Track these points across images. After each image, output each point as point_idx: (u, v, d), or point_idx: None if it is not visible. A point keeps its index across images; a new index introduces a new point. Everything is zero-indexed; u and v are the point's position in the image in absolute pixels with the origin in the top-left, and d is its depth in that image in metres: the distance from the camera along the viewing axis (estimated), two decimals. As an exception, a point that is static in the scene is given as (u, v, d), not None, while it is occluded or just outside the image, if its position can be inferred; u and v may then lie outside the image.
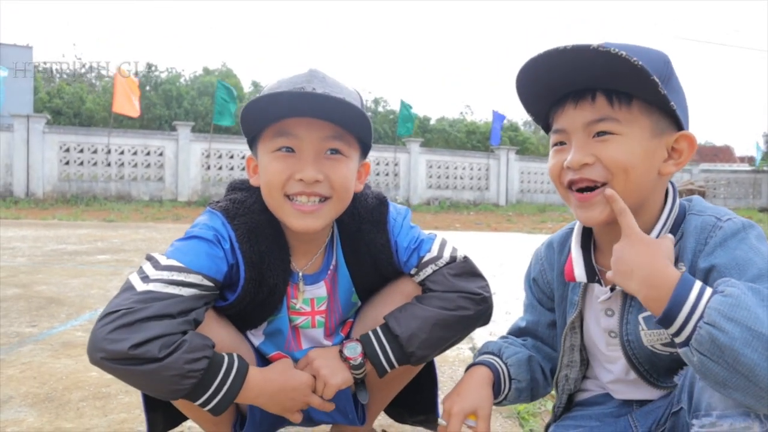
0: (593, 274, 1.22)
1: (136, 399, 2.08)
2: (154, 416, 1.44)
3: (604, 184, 1.09)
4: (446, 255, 1.38)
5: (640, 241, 1.03)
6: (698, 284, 0.94)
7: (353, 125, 1.26)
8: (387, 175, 21.08)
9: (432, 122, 30.71)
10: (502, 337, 1.47)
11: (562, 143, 1.15)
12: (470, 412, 1.21)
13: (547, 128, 1.22)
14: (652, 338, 1.17)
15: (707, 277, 1.04)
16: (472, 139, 28.80)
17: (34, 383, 2.27)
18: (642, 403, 1.26)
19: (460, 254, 1.40)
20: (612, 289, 1.20)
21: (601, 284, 1.23)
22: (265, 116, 1.24)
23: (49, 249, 6.78)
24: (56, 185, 16.59)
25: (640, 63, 1.00)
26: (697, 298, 0.92)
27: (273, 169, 1.25)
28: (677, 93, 1.11)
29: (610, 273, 1.07)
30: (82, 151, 16.98)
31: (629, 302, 1.19)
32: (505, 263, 6.23)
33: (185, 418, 1.47)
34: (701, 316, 0.90)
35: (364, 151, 1.37)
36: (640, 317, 1.17)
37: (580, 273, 1.22)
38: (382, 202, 1.42)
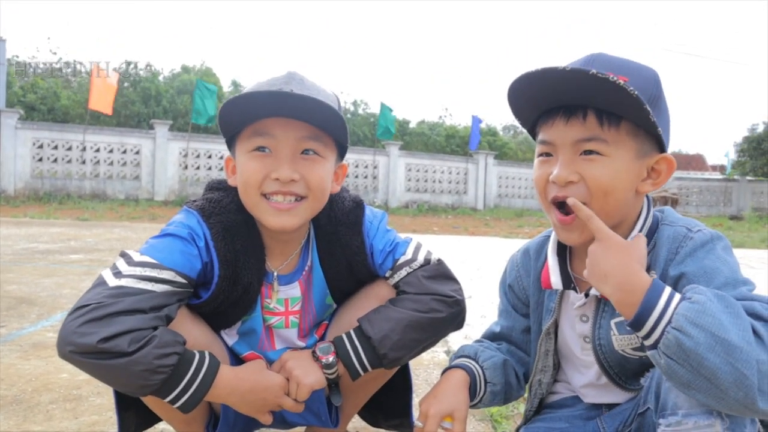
0: (569, 281, 1.25)
1: (108, 401, 2.06)
2: (126, 416, 1.43)
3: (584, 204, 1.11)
4: (420, 258, 1.40)
5: (614, 244, 1.05)
6: (668, 290, 0.98)
7: (330, 126, 1.28)
8: (366, 177, 21.09)
9: (412, 125, 30.79)
10: (477, 341, 1.48)
11: (548, 154, 1.17)
12: (447, 414, 1.23)
13: (533, 134, 1.24)
14: (622, 343, 1.20)
15: (677, 284, 1.09)
16: (451, 143, 28.94)
17: (2, 385, 2.22)
18: (610, 406, 1.29)
19: (434, 257, 1.41)
20: (586, 295, 1.23)
21: (576, 291, 1.26)
22: (242, 116, 1.25)
23: (20, 248, 6.66)
24: (28, 182, 16.31)
25: (636, 93, 1.02)
26: (666, 303, 0.95)
27: (249, 168, 1.26)
28: (663, 114, 1.15)
29: (586, 273, 1.09)
30: (56, 147, 16.72)
31: (602, 308, 1.22)
32: (482, 267, 6.27)
33: (158, 419, 1.46)
34: (669, 321, 0.93)
35: (341, 153, 1.38)
36: (612, 322, 1.20)
37: (556, 280, 1.25)
38: (358, 205, 1.43)
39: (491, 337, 1.48)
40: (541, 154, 1.19)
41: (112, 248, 6.77)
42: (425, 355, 2.77)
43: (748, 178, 26.33)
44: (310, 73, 1.33)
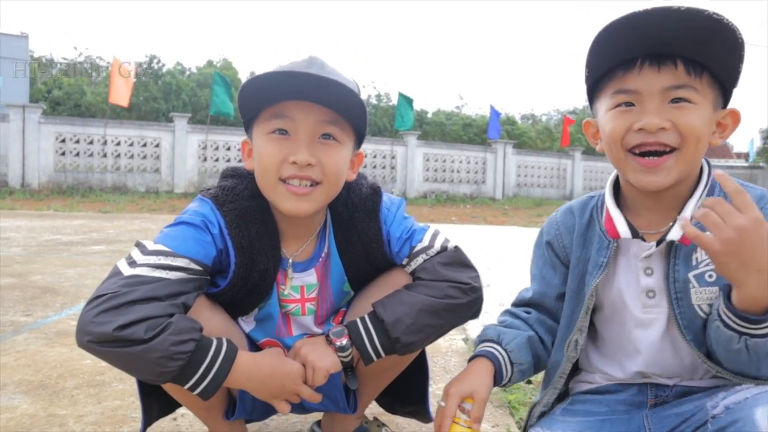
0: (635, 231, 1.23)
1: (131, 386, 2.09)
2: (149, 402, 1.45)
3: (672, 150, 1.13)
4: (437, 245, 1.39)
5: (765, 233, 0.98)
6: None
7: (349, 111, 1.27)
8: (384, 168, 21.06)
9: (429, 115, 30.67)
10: (505, 312, 1.47)
11: (628, 104, 1.16)
12: (467, 394, 1.24)
13: (593, 90, 1.24)
14: (702, 296, 1.17)
15: None
16: (468, 132, 28.77)
17: (28, 371, 2.27)
18: (656, 394, 1.26)
19: (451, 244, 1.41)
20: (658, 244, 1.20)
21: (644, 240, 1.24)
22: (262, 98, 1.25)
23: (44, 239, 6.78)
24: (52, 176, 16.54)
25: (740, 35, 1.06)
26: None
27: (267, 151, 1.26)
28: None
29: (723, 256, 0.99)
30: (78, 141, 16.91)
31: (674, 261, 1.20)
32: (501, 256, 6.25)
33: (179, 405, 1.48)
34: None
35: (359, 140, 1.38)
36: (691, 275, 1.18)
37: (624, 230, 1.23)
38: (375, 192, 1.43)
39: (522, 303, 1.46)
40: (618, 105, 1.17)
41: (133, 239, 6.84)
42: (443, 343, 2.77)
43: (773, 164, 25.90)
44: (337, 65, 1.32)
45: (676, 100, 1.12)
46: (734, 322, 1.04)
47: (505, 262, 5.74)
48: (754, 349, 1.03)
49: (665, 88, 1.12)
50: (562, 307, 1.39)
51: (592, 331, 1.37)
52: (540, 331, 1.40)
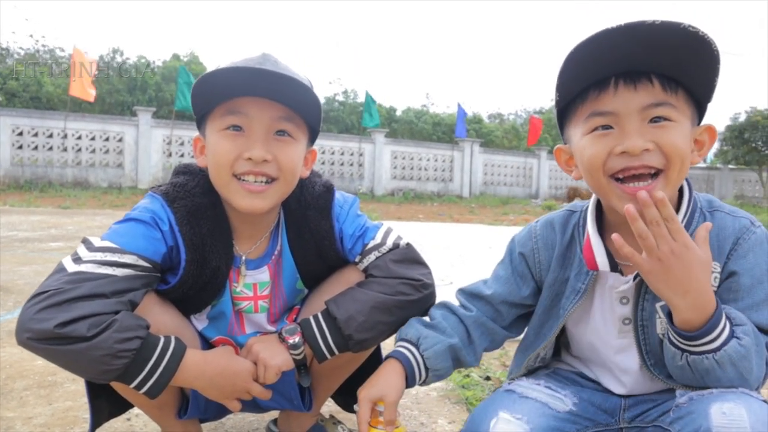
0: (614, 263, 1.20)
1: (84, 387, 2.04)
2: (98, 403, 1.42)
3: (657, 174, 1.09)
4: (389, 242, 1.40)
5: (699, 257, 1.03)
6: (724, 318, 1.04)
7: (303, 108, 1.27)
8: (351, 165, 21.04)
9: (398, 113, 30.72)
10: (442, 304, 1.41)
11: (606, 127, 1.11)
12: (377, 398, 1.22)
13: (563, 114, 1.20)
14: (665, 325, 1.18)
15: (728, 278, 1.14)
16: (437, 130, 28.93)
17: (-23, 371, 2.21)
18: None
19: (403, 242, 1.42)
20: (635, 278, 1.19)
21: (622, 274, 1.22)
22: (215, 94, 1.24)
23: (-1, 235, 6.59)
24: (8, 170, 16.08)
25: (717, 48, 1.03)
26: (720, 333, 1.03)
27: (221, 147, 1.25)
28: None
29: (652, 277, 1.06)
30: (36, 135, 16.48)
31: (645, 290, 1.19)
32: (465, 254, 6.29)
33: (131, 406, 1.46)
34: (716, 350, 1.03)
35: (312, 137, 1.38)
36: (658, 306, 1.18)
37: (602, 261, 1.20)
38: (328, 190, 1.43)
39: (472, 295, 1.41)
40: (595, 129, 1.12)
41: (93, 236, 6.71)
42: (404, 341, 2.78)
43: (730, 166, 26.61)
44: (299, 63, 1.32)
45: (656, 120, 1.08)
46: (675, 338, 1.07)
47: (469, 260, 5.78)
48: (695, 366, 1.05)
49: (644, 107, 1.07)
50: (514, 314, 1.38)
51: (564, 338, 1.39)
52: (474, 332, 1.36)
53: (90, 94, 16.69)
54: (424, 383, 1.33)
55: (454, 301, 1.42)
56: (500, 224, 11.41)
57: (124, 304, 1.13)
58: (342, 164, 20.81)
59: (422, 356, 1.29)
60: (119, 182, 17.32)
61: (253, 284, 1.40)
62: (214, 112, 1.27)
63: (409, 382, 1.28)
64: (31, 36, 37.08)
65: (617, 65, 1.08)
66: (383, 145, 21.60)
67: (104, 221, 8.93)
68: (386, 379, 1.25)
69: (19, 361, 2.35)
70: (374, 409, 1.22)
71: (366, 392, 1.23)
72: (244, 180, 1.25)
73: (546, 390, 1.27)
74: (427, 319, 1.37)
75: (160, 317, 1.26)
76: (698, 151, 1.15)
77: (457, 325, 1.36)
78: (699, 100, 1.13)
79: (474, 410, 1.25)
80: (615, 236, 1.05)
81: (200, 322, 1.43)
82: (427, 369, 1.30)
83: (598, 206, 1.28)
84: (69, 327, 1.04)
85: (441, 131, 28.82)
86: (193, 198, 1.30)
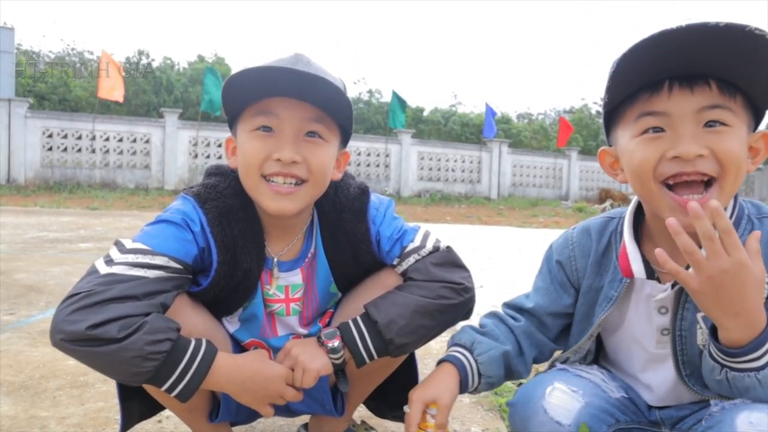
0: (651, 271, 1.18)
1: (115, 388, 2.08)
2: (130, 405, 1.44)
3: (710, 181, 1.05)
4: (429, 245, 1.39)
5: (754, 276, 0.97)
6: None
7: (335, 109, 1.27)
8: (378, 166, 21.08)
9: (425, 113, 30.70)
10: (491, 314, 1.43)
11: (657, 129, 1.07)
12: (430, 400, 1.23)
13: (611, 115, 1.17)
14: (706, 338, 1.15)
15: None
16: (465, 131, 28.84)
17: (10, 371, 2.26)
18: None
19: (443, 244, 1.41)
20: (673, 286, 1.17)
21: (659, 282, 1.19)
22: (246, 94, 1.24)
23: (29, 236, 6.74)
24: (39, 172, 16.47)
25: None
26: (765, 353, 1.00)
27: (251, 148, 1.25)
28: None
29: (703, 298, 1.01)
30: (65, 137, 16.85)
31: (684, 299, 1.16)
32: (494, 257, 6.25)
33: (162, 408, 1.47)
34: (758, 368, 1.00)
35: (345, 139, 1.37)
36: (699, 316, 1.15)
37: (638, 269, 1.17)
38: (363, 192, 1.42)
39: (516, 308, 1.42)
40: (645, 131, 1.08)
41: (122, 237, 6.79)
42: (433, 345, 2.77)
43: None
44: (325, 62, 1.32)
45: (711, 124, 1.04)
46: (716, 353, 1.04)
47: (498, 263, 5.74)
48: (734, 382, 1.03)
49: (699, 110, 1.04)
50: (559, 324, 1.38)
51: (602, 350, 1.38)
52: (524, 342, 1.37)
53: (119, 94, 17.00)
54: (476, 391, 1.33)
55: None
56: (529, 226, 11.31)
57: (155, 307, 1.14)
58: (368, 165, 20.85)
59: (476, 361, 1.30)
60: (146, 183, 17.60)
61: (285, 287, 1.41)
62: (245, 113, 1.27)
63: (463, 387, 1.29)
64: (62, 40, 37.86)
65: (674, 67, 1.05)
66: (410, 145, 21.60)
67: (132, 222, 9.08)
68: (441, 382, 1.26)
69: (52, 360, 2.39)
70: (424, 412, 1.23)
71: (419, 394, 1.24)
72: (272, 181, 1.25)
73: (599, 374, 1.27)
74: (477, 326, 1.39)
75: (191, 319, 1.27)
76: (752, 159, 1.11)
77: (508, 333, 1.37)
78: (757, 106, 1.08)
79: (525, 383, 1.26)
80: (659, 251, 1.00)
81: (232, 324, 1.43)
82: (480, 375, 1.30)
83: (637, 212, 1.26)
84: (100, 329, 1.06)
85: (469, 132, 28.72)
86: (225, 199, 1.31)
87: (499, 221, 12.60)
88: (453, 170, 22.75)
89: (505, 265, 5.64)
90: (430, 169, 22.23)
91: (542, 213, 15.75)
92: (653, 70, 1.06)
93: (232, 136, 1.35)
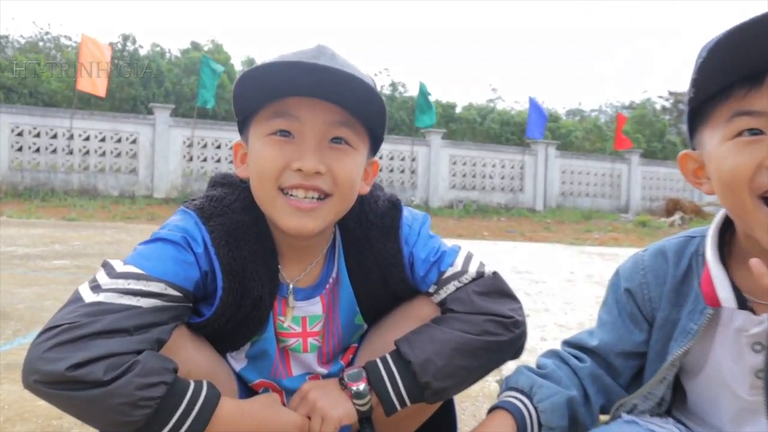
0: (742, 299, 1.14)
1: (93, 434, 2.07)
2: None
3: None
4: (472, 270, 1.37)
5: None
6: None
7: (365, 111, 1.26)
8: (402, 172, 21.14)
9: (458, 110, 30.76)
10: (551, 352, 1.42)
11: (755, 132, 1.05)
12: None
13: (696, 114, 1.16)
14: None
15: None
16: (505, 131, 28.84)
17: (-28, 412, 2.26)
18: None
19: (488, 270, 1.39)
20: None
21: (754, 312, 1.16)
22: (261, 92, 1.23)
23: (-3, 251, 6.83)
24: (6, 175, 16.73)
25: None
26: None
27: (267, 155, 1.24)
28: None
29: None
30: (38, 135, 17.13)
31: None
32: (541, 280, 6.20)
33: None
34: None
35: (374, 146, 1.37)
36: None
37: (727, 296, 1.14)
38: (394, 206, 1.42)
39: (578, 347, 1.41)
40: (740, 133, 1.06)
41: (104, 253, 6.89)
42: (475, 386, 2.74)
43: None
44: (340, 49, 1.31)
45: None
46: None
47: (546, 288, 5.68)
48: None
49: None
50: (631, 366, 1.36)
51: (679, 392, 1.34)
52: (590, 388, 1.34)
53: (101, 87, 17.20)
54: None
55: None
56: (582, 243, 11.25)
57: (149, 342, 1.13)
58: (391, 170, 20.92)
59: (536, 409, 1.28)
60: (132, 190, 17.81)
61: (302, 318, 1.40)
62: (260, 114, 1.27)
63: None
64: (35, 23, 38.65)
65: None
66: (440, 148, 21.63)
67: (116, 236, 9.18)
68: None
69: (20, 400, 2.39)
70: None
71: None
72: (291, 195, 1.24)
73: (676, 430, 1.25)
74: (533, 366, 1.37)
75: (191, 357, 1.25)
76: None
77: (572, 376, 1.35)
78: None
79: None
80: (754, 261, 0.98)
81: (238, 361, 1.42)
82: (540, 426, 1.28)
83: (723, 229, 1.23)
84: (83, 369, 1.04)
85: (509, 131, 28.72)
86: (232, 215, 1.30)
87: (546, 237, 12.55)
88: (491, 177, 22.72)
89: (555, 290, 5.59)
90: (464, 175, 22.23)
91: (597, 227, 15.65)
92: (753, 61, 1.03)
93: (242, 141, 1.34)
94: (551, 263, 7.91)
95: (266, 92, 1.23)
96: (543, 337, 3.66)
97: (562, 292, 5.47)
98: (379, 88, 1.31)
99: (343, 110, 1.24)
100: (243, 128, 1.33)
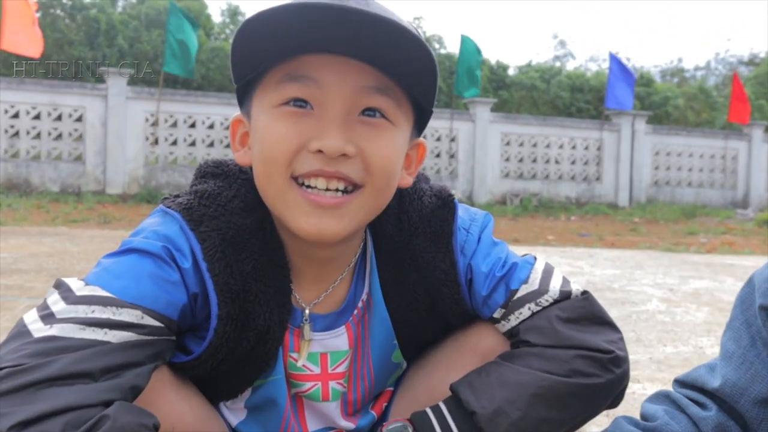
0: None
1: None
2: None
3: None
4: (554, 288, 1.38)
5: None
6: None
7: (409, 75, 1.24)
8: (438, 156, 21.14)
9: (511, 72, 30.71)
10: (662, 395, 1.43)
11: None
12: None
13: None
14: None
15: None
16: (577, 99, 28.73)
17: None
18: None
19: (576, 288, 1.40)
20: None
21: None
22: (269, 49, 1.22)
23: None
24: None
25: None
26: None
27: (276, 132, 1.23)
28: None
29: None
30: (-45, 113, 17.30)
31: None
32: (628, 300, 6.17)
33: None
34: None
35: (420, 123, 1.36)
36: None
37: None
38: (446, 203, 1.41)
39: (698, 389, 1.41)
40: None
41: (41, 269, 6.94)
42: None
43: None
44: None
45: None
46: None
47: (636, 311, 5.66)
48: None
49: None
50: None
51: None
52: None
53: (36, 46, 17.30)
54: None
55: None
56: (685, 251, 11.17)
57: (120, 390, 1.12)
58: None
59: None
60: (78, 184, 17.94)
61: (321, 355, 1.41)
62: (267, 78, 1.26)
63: None
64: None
65: None
66: (489, 123, 21.62)
67: (57, 245, 9.25)
68: None
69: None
70: None
71: None
72: (308, 187, 1.24)
73: None
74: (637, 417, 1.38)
75: (174, 409, 1.27)
76: None
77: (691, 429, 1.35)
78: None
79: None
80: None
81: (235, 413, 1.44)
82: None
83: None
84: (33, 428, 1.03)
85: (583, 100, 28.64)
86: (230, 216, 1.31)
87: (633, 242, 12.48)
88: (557, 161, 22.68)
89: (647, 314, 5.56)
90: (521, 159, 22.21)
91: (705, 228, 15.55)
92: None
93: (243, 116, 1.34)
94: (642, 277, 7.87)
95: (275, 48, 1.21)
96: (636, 378, 3.65)
97: (658, 316, 5.44)
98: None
99: (380, 72, 1.23)
100: (244, 98, 1.33)
